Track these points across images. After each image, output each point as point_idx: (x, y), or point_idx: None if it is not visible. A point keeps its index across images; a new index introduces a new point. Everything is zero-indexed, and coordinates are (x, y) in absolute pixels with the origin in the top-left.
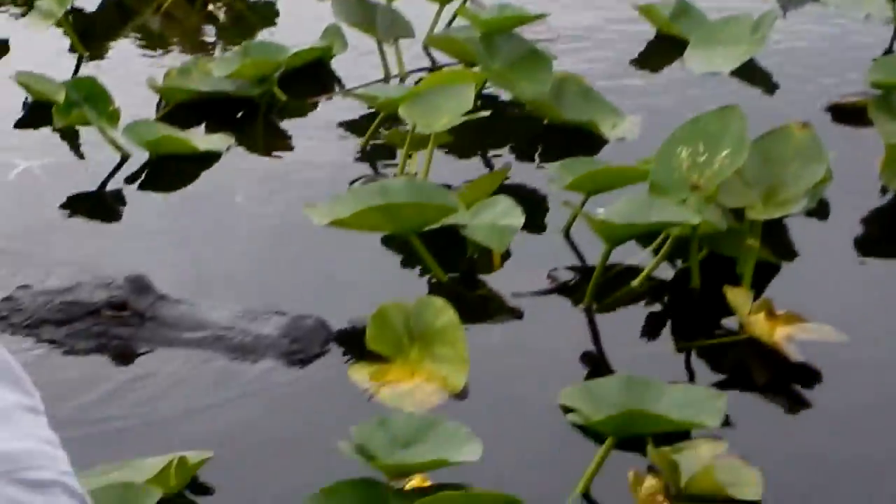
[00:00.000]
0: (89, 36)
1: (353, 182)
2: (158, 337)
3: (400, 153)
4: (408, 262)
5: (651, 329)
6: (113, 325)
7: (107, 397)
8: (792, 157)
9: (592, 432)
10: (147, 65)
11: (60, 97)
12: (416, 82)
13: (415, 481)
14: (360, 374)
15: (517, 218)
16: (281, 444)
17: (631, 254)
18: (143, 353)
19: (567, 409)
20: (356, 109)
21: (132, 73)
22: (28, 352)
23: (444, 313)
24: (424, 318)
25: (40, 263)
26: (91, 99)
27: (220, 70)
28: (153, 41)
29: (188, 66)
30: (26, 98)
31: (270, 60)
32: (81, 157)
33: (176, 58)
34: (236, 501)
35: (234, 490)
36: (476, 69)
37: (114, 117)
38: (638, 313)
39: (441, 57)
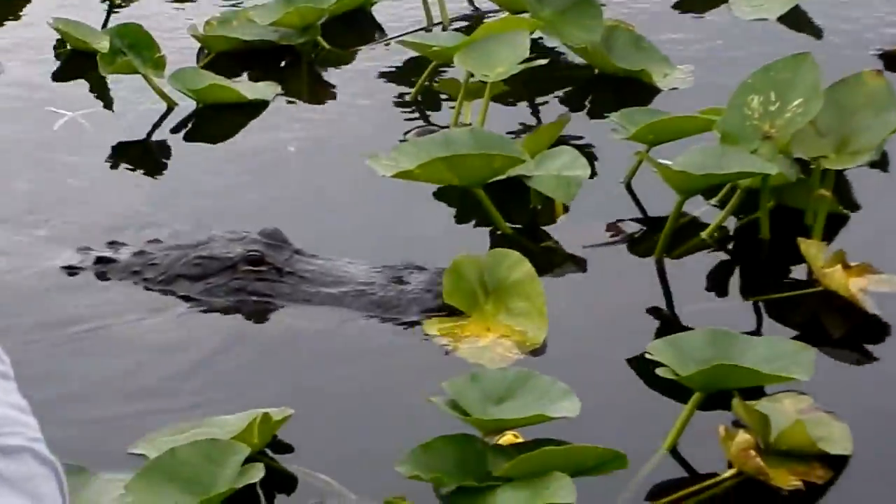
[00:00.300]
0: None
1: (406, 132)
2: (298, 292)
3: (453, 103)
4: (464, 214)
5: (721, 281)
6: (251, 280)
7: (251, 355)
8: (863, 105)
9: (674, 386)
10: (176, 13)
11: (104, 45)
12: (464, 30)
13: (507, 437)
14: (437, 330)
15: (582, 169)
16: (367, 401)
17: (689, 205)
18: (283, 309)
19: (651, 363)
20: (398, 58)
21: (163, 21)
22: (164, 308)
23: (519, 266)
24: (499, 271)
25: (110, 216)
26: (136, 46)
27: (262, 18)
28: None
29: (228, 14)
30: (57, 44)
31: (315, 8)
32: (125, 106)
33: (203, 5)
34: (318, 459)
35: (315, 448)
36: (524, 16)
37: (159, 65)
38: (707, 265)
39: (483, 4)
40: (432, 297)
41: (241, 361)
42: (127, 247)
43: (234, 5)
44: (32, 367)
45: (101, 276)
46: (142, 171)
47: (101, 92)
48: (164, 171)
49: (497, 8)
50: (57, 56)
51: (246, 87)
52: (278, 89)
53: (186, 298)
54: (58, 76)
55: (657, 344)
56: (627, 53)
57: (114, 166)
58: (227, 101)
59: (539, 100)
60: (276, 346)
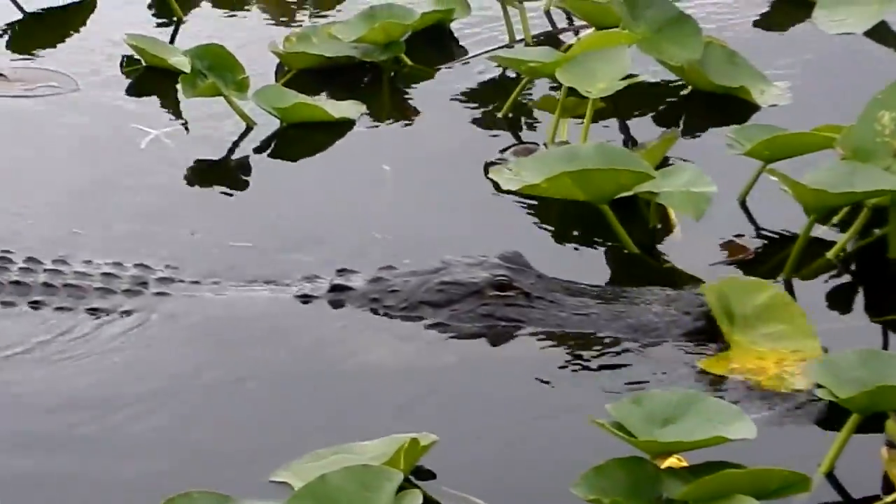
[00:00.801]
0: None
1: (504, 150)
2: (550, 317)
3: (540, 120)
4: (566, 231)
5: (849, 301)
6: (500, 305)
7: (508, 382)
8: None
9: (823, 404)
10: (236, 29)
11: (178, 60)
12: (565, 48)
13: (671, 460)
14: (712, 367)
15: (709, 185)
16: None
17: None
18: (534, 334)
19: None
20: (479, 74)
21: (230, 37)
22: (410, 335)
23: (763, 291)
24: (741, 298)
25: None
26: (216, 67)
27: (346, 34)
28: (231, 3)
29: (307, 30)
30: (126, 61)
31: (400, 23)
32: (206, 124)
33: (260, 20)
34: (466, 484)
35: (464, 472)
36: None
37: (242, 87)
38: (834, 285)
39: (560, 21)
40: (691, 320)
41: (485, 388)
42: (357, 273)
43: (283, 23)
44: (268, 408)
45: (337, 304)
46: (249, 193)
47: (179, 109)
48: (273, 192)
49: (570, 25)
50: (127, 73)
51: (331, 106)
52: (364, 108)
53: (432, 325)
54: (133, 93)
55: (811, 365)
56: (723, 70)
57: (208, 186)
58: (313, 119)
59: (632, 117)
60: (520, 372)
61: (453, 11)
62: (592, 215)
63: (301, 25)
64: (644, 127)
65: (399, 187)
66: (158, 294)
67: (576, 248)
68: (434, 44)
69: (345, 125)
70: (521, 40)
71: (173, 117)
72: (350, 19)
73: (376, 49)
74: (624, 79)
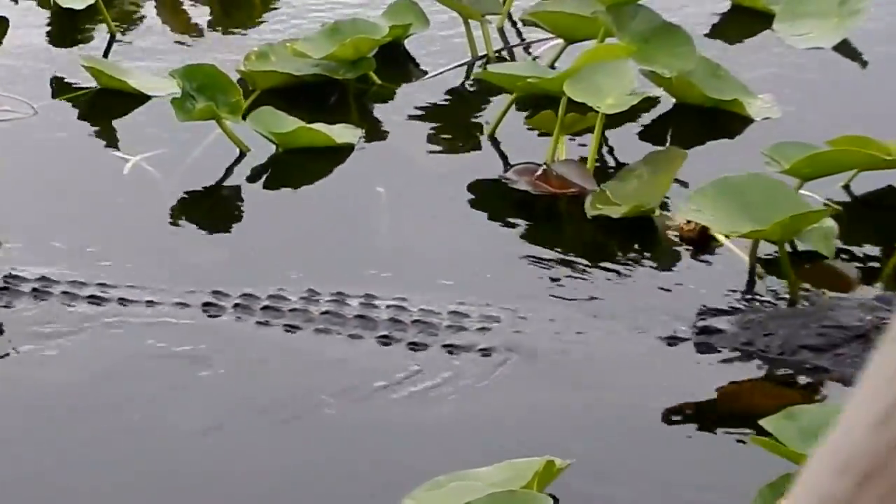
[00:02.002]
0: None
1: (506, 170)
2: None
3: (524, 137)
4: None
5: None
6: None
7: None
8: None
9: None
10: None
11: (140, 82)
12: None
13: None
14: None
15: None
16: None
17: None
18: None
19: None
20: (441, 91)
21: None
22: (789, 381)
23: None
24: None
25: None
26: (208, 88)
27: (313, 51)
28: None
29: (265, 49)
30: (53, 83)
31: (369, 39)
32: (184, 149)
33: (170, 38)
34: None
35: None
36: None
37: (236, 109)
38: None
39: (511, 36)
40: None
41: None
42: (719, 316)
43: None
44: (637, 455)
45: (706, 347)
46: (225, 220)
47: (152, 133)
48: (252, 222)
49: (521, 41)
50: (76, 97)
51: (326, 130)
52: (361, 132)
53: (813, 370)
54: (95, 117)
55: None
56: (711, 82)
57: (194, 217)
58: (312, 145)
59: (615, 133)
60: None
61: (410, 26)
62: (598, 239)
63: (200, 40)
64: (628, 143)
65: (397, 210)
66: (514, 332)
67: (608, 279)
68: (390, 60)
69: (339, 149)
70: (483, 56)
71: (149, 142)
72: (314, 35)
73: (343, 66)
74: (630, 94)
